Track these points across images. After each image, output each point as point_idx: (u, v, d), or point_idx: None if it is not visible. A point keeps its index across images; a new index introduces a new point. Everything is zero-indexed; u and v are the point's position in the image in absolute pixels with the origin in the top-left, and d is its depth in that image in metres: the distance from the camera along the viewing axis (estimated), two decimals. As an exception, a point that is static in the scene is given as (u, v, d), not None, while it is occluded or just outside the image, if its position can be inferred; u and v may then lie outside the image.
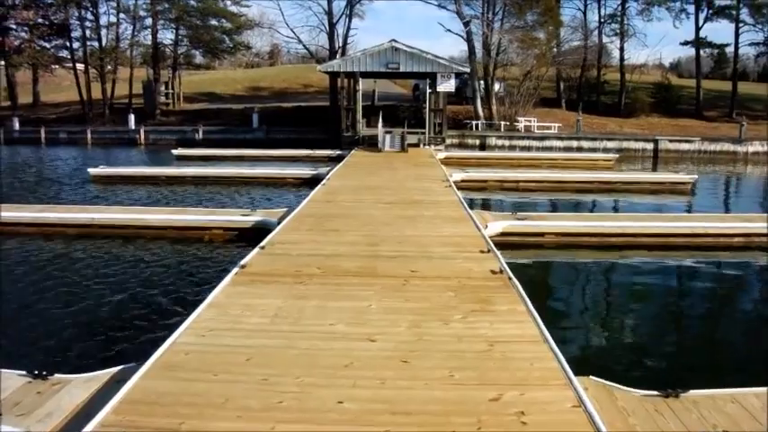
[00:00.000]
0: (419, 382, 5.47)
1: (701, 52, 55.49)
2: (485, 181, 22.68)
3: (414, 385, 5.41)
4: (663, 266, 12.89)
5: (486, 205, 19.68)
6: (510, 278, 8.38)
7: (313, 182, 20.63)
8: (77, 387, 5.68)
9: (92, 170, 23.68)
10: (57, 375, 5.91)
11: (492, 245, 10.28)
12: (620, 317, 9.78)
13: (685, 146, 38.02)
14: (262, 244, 10.22)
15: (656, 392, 5.73)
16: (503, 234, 13.34)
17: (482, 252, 9.86)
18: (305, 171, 23.10)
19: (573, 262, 13.00)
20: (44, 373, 5.89)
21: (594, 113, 47.30)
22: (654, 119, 48.52)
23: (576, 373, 5.69)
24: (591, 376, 5.94)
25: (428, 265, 9.10)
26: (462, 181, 21.91)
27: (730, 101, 51.90)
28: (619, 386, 5.85)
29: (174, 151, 32.42)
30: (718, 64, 78.93)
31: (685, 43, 55.74)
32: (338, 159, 27.26)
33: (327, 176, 19.70)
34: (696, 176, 23.72)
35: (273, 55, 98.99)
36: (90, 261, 12.22)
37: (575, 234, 13.66)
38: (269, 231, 11.89)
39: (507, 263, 9.39)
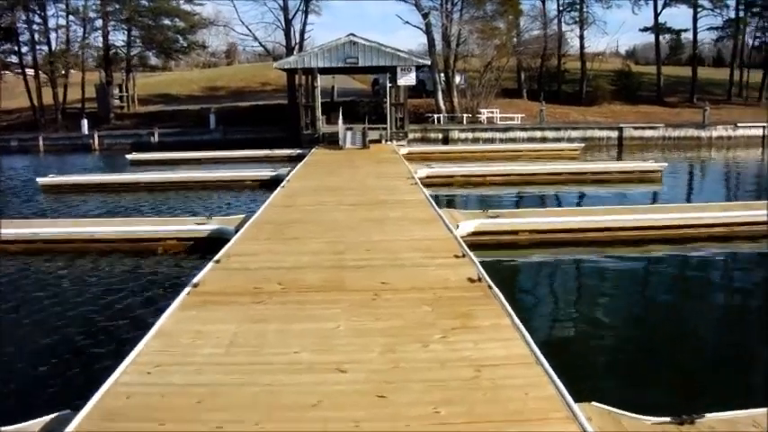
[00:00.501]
0: (399, 422, 4.68)
1: (660, 38, 55.35)
2: (451, 176, 21.97)
3: (393, 427, 4.64)
4: (644, 261, 12.36)
5: (454, 202, 19.07)
6: (490, 287, 7.65)
7: (273, 183, 19.80)
8: (-2, 444, 4.84)
9: (41, 179, 22.55)
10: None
11: (466, 248, 9.53)
12: (611, 324, 9.01)
13: (649, 133, 37.75)
14: (216, 257, 9.36)
15: (668, 419, 5.04)
16: (475, 234, 12.65)
17: (456, 257, 9.11)
18: (264, 172, 22.21)
19: (550, 261, 12.38)
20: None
21: (556, 103, 46.89)
22: (616, 106, 48.34)
23: (577, 400, 4.97)
24: (593, 402, 5.23)
25: (399, 275, 8.33)
26: (427, 177, 21.19)
27: (690, 86, 51.94)
28: (626, 413, 5.15)
29: (129, 156, 31.27)
30: (674, 50, 79.43)
31: (645, 29, 55.71)
32: (298, 159, 26.47)
33: (287, 178, 18.88)
34: (665, 164, 23.29)
35: (230, 54, 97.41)
36: (28, 282, 11.26)
37: (550, 231, 12.99)
38: (226, 241, 11.06)
39: (482, 264, 8.74)
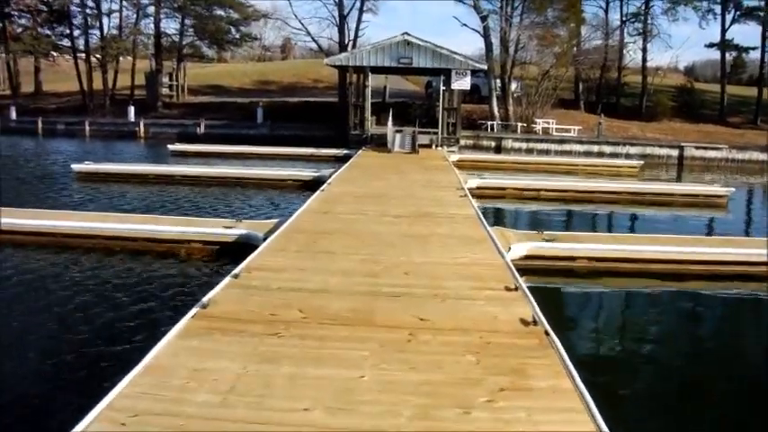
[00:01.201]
0: None
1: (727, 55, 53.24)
2: (503, 188, 20.67)
3: None
4: (727, 301, 10.95)
5: (504, 218, 17.78)
6: (547, 332, 6.43)
7: (314, 185, 18.84)
8: None
9: (76, 167, 21.86)
10: None
11: (520, 280, 8.29)
12: (699, 383, 7.66)
13: (712, 153, 35.85)
14: (236, 270, 8.27)
15: None
16: (527, 257, 11.40)
17: (508, 289, 7.89)
18: (306, 173, 21.18)
19: (613, 295, 11.07)
20: None
21: (614, 116, 45.03)
22: (676, 124, 46.38)
23: None
24: None
25: (441, 310, 7.14)
26: (478, 188, 19.97)
27: (755, 107, 49.71)
28: None
29: (171, 146, 30.55)
30: (735, 68, 76.91)
31: (710, 45, 53.44)
32: (344, 159, 25.42)
33: (329, 180, 17.81)
34: (732, 189, 21.72)
35: (286, 49, 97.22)
36: (18, 279, 10.30)
37: (612, 259, 11.68)
38: (253, 248, 10.05)
39: (534, 293, 7.64)
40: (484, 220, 12.71)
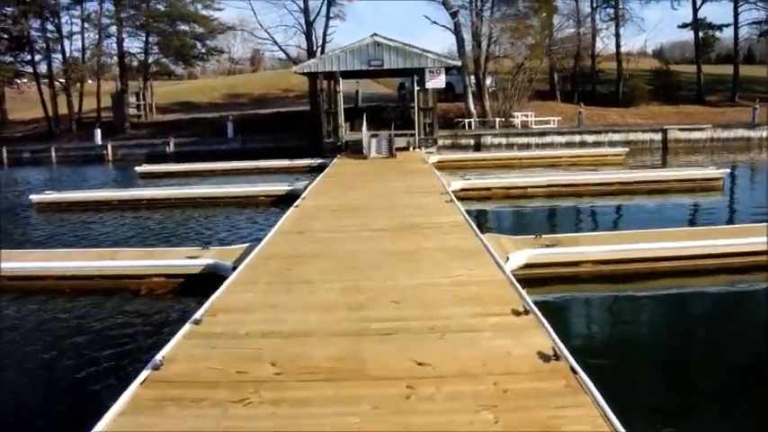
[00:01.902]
0: None
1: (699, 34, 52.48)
2: (488, 189, 19.53)
3: None
4: (750, 296, 9.91)
5: (495, 221, 16.63)
6: (574, 370, 5.29)
7: (288, 199, 17.68)
8: None
9: (35, 197, 20.52)
10: None
11: (528, 300, 7.12)
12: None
13: (696, 134, 35.05)
14: (197, 315, 7.07)
15: None
16: (527, 266, 10.28)
17: (516, 313, 6.74)
18: (279, 187, 19.89)
19: (625, 300, 9.93)
20: None
21: (592, 104, 43.99)
22: (655, 107, 45.54)
23: None
24: None
25: (441, 348, 5.96)
26: (462, 190, 18.86)
27: (732, 84, 48.96)
28: None
29: (138, 168, 29.19)
30: (704, 48, 76.41)
31: (684, 26, 52.84)
32: (319, 169, 24.33)
33: (303, 194, 16.66)
34: (727, 170, 20.79)
35: (255, 61, 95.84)
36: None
37: (618, 261, 10.57)
38: (221, 279, 8.90)
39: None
40: (475, 226, 11.58)
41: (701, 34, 52.70)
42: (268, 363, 5.76)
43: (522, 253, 10.34)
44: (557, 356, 5.59)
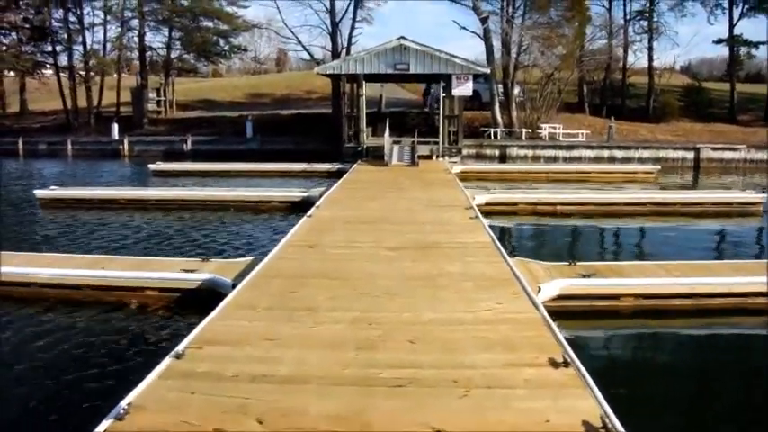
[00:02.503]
0: None
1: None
2: (515, 204, 18.39)
3: None
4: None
5: (522, 241, 15.54)
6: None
7: (303, 206, 16.86)
8: None
9: (39, 192, 19.71)
10: None
11: (568, 349, 6.05)
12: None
13: (729, 154, 33.60)
14: (179, 348, 6.05)
15: None
16: (560, 297, 9.20)
17: (555, 365, 5.68)
18: (293, 193, 18.89)
19: (673, 341, 8.83)
20: None
21: (620, 119, 42.67)
22: (686, 124, 44.12)
23: None
24: None
25: (465, 411, 4.89)
26: (487, 204, 17.77)
27: (765, 103, 47.42)
28: None
29: (152, 166, 28.29)
30: (733, 65, 74.78)
31: (719, 41, 51.23)
32: (338, 174, 23.46)
33: (318, 202, 15.65)
34: (765, 195, 19.56)
35: (280, 62, 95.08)
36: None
37: (662, 296, 9.46)
38: (219, 296, 7.97)
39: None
40: (502, 249, 10.51)
41: (737, 51, 51.13)
42: (254, 418, 4.74)
43: (556, 283, 9.26)
44: (605, 428, 4.53)
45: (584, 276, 9.55)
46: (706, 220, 17.86)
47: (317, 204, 15.14)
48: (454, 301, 7.72)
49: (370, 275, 8.86)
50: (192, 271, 9.77)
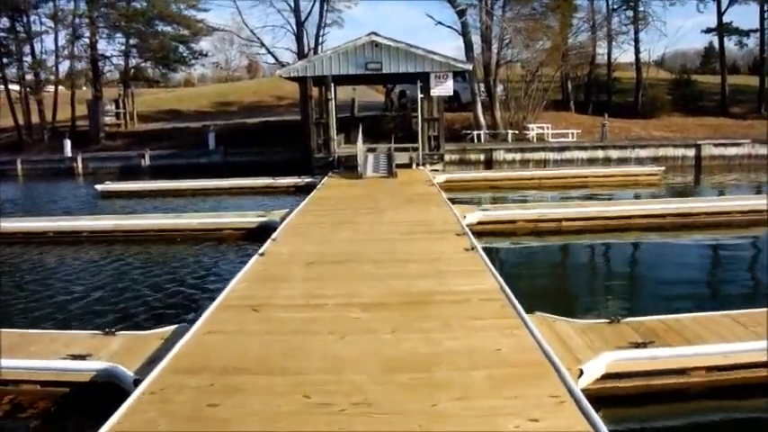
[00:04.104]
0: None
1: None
2: (512, 222, 15.58)
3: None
4: None
5: (525, 271, 12.64)
6: None
7: (261, 233, 14.04)
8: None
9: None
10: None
11: None
12: None
13: (732, 150, 31.08)
14: None
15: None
16: (606, 377, 6.41)
17: None
18: (250, 219, 15.82)
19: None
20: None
21: (609, 116, 40.22)
22: (677, 119, 41.77)
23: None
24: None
25: None
26: (480, 223, 15.05)
27: (758, 95, 45.07)
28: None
29: (99, 186, 25.31)
30: (707, 58, 73.33)
31: (707, 31, 48.97)
32: (306, 189, 20.98)
33: (277, 231, 12.83)
34: (792, 197, 17.00)
35: (252, 68, 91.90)
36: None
37: (733, 366, 6.69)
38: (121, 393, 5.36)
39: None
40: (516, 301, 7.69)
41: (728, 39, 48.84)
42: None
43: (601, 359, 6.44)
44: None
45: (637, 345, 6.73)
46: (736, 231, 15.24)
47: (273, 236, 12.23)
48: (464, 419, 4.88)
49: (335, 366, 5.97)
50: (82, 357, 6.86)
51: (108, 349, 7.06)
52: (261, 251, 10.88)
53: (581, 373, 6.09)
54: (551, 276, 12.87)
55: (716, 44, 51.37)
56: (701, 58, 77.60)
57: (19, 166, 37.30)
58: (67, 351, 7.05)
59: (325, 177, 22.80)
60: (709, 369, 6.68)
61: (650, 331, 7.13)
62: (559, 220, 15.57)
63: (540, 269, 13.20)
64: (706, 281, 12.08)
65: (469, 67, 29.32)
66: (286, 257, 10.57)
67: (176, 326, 7.63)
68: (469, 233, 12.02)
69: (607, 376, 6.44)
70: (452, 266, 9.62)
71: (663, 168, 25.39)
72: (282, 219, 14.54)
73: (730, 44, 50.37)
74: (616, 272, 12.88)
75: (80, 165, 36.40)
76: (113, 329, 7.68)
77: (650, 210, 16.13)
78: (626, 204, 17.38)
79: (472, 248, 10.62)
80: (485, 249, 10.87)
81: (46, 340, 7.56)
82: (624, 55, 48.18)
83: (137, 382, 5.97)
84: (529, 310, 7.47)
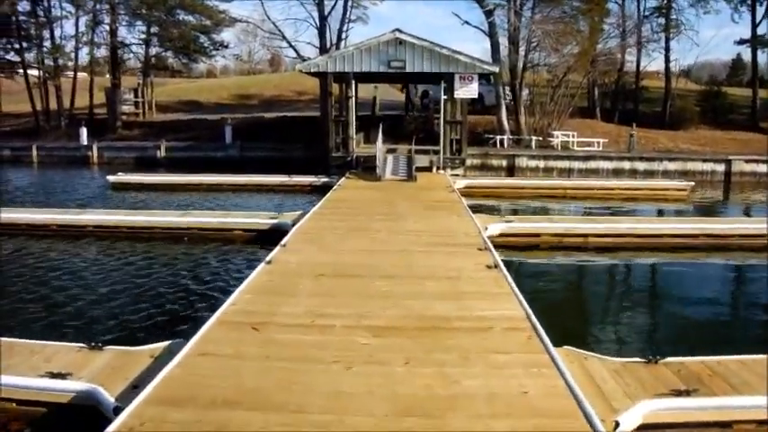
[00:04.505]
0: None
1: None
2: (536, 235, 14.79)
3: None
4: None
5: (556, 298, 11.80)
6: None
7: (272, 236, 13.39)
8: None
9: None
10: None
11: None
12: None
13: (764, 167, 29.96)
14: None
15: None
16: (642, 428, 5.70)
17: None
18: (262, 220, 15.08)
19: None
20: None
21: (636, 125, 39.14)
22: (706, 131, 40.47)
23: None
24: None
25: None
26: (502, 235, 14.27)
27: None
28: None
29: (111, 178, 24.71)
30: (734, 70, 72.11)
31: (741, 42, 47.71)
32: (323, 190, 20.31)
33: (288, 235, 12.16)
34: None
35: (275, 62, 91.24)
36: None
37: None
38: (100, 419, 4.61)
39: None
40: (543, 333, 6.95)
41: (762, 52, 47.73)
42: None
43: (640, 407, 5.71)
44: None
45: (679, 393, 5.98)
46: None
47: (283, 242, 11.55)
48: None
49: (338, 404, 5.28)
50: (63, 376, 6.20)
51: (92, 367, 6.42)
52: (268, 258, 10.19)
53: (616, 425, 5.36)
54: (579, 300, 12.09)
55: (744, 56, 49.93)
56: (728, 70, 76.18)
57: (34, 153, 36.63)
58: (48, 367, 6.42)
59: (343, 178, 22.07)
60: (760, 423, 5.93)
61: (692, 375, 6.38)
62: (586, 236, 14.76)
63: (567, 291, 12.43)
64: (747, 313, 11.26)
65: (496, 69, 28.40)
66: (294, 267, 9.87)
67: (168, 342, 6.96)
68: (492, 248, 11.27)
69: (644, 427, 5.71)
70: (473, 286, 8.89)
71: (692, 184, 24.47)
72: (294, 222, 13.87)
73: (763, 57, 49.14)
74: (648, 297, 12.07)
75: (95, 154, 35.67)
76: (100, 343, 7.01)
77: (681, 229, 15.21)
78: (656, 222, 16.61)
79: (495, 266, 9.89)
80: (506, 264, 10.19)
81: (26, 352, 6.90)
82: (651, 64, 46.72)
83: (117, 410, 5.35)
84: (557, 343, 6.75)
